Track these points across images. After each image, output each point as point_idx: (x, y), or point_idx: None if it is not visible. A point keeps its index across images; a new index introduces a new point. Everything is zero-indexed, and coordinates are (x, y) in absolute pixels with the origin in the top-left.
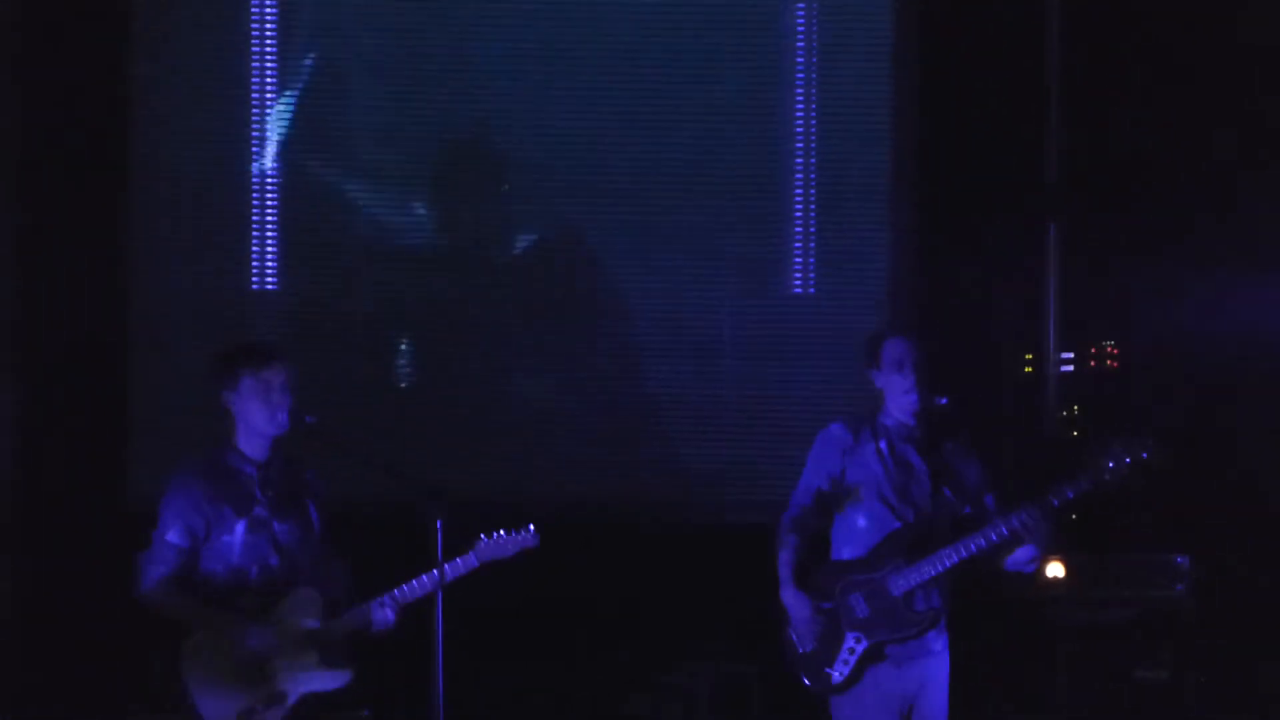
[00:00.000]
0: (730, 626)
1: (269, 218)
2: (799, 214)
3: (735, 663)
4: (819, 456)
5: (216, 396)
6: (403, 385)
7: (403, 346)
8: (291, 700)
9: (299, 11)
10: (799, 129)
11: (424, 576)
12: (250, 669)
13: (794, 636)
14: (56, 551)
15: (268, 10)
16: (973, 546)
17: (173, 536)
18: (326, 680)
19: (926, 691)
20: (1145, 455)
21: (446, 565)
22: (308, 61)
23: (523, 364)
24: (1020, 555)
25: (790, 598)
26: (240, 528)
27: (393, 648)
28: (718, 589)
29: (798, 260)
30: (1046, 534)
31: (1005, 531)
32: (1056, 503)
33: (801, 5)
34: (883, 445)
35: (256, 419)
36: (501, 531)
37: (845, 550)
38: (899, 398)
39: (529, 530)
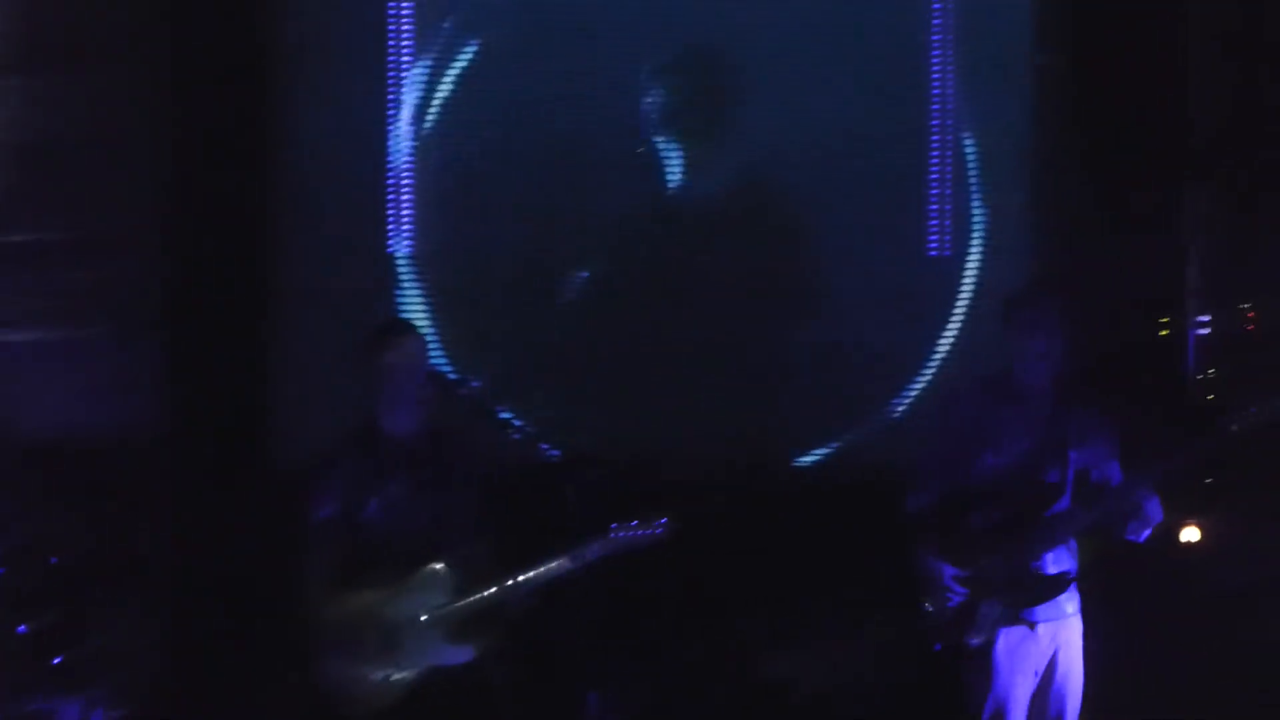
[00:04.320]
0: (866, 588)
1: (405, 181)
2: (934, 176)
3: (873, 625)
4: (949, 420)
5: (362, 373)
6: (546, 347)
7: (545, 309)
8: (417, 673)
9: None
10: (935, 90)
11: (555, 561)
12: (377, 641)
13: (930, 605)
14: (204, 512)
15: None
16: (1096, 513)
17: (326, 512)
18: (452, 655)
19: (1061, 655)
20: (1276, 408)
21: (577, 551)
22: (445, 25)
23: (662, 326)
24: (1131, 526)
25: (926, 566)
26: (379, 502)
27: (531, 619)
28: (852, 551)
29: (933, 223)
30: (1148, 506)
31: (1107, 506)
32: (1151, 477)
33: None
34: (1012, 409)
35: (397, 388)
36: (634, 523)
37: (977, 516)
38: (1033, 361)
39: (661, 523)
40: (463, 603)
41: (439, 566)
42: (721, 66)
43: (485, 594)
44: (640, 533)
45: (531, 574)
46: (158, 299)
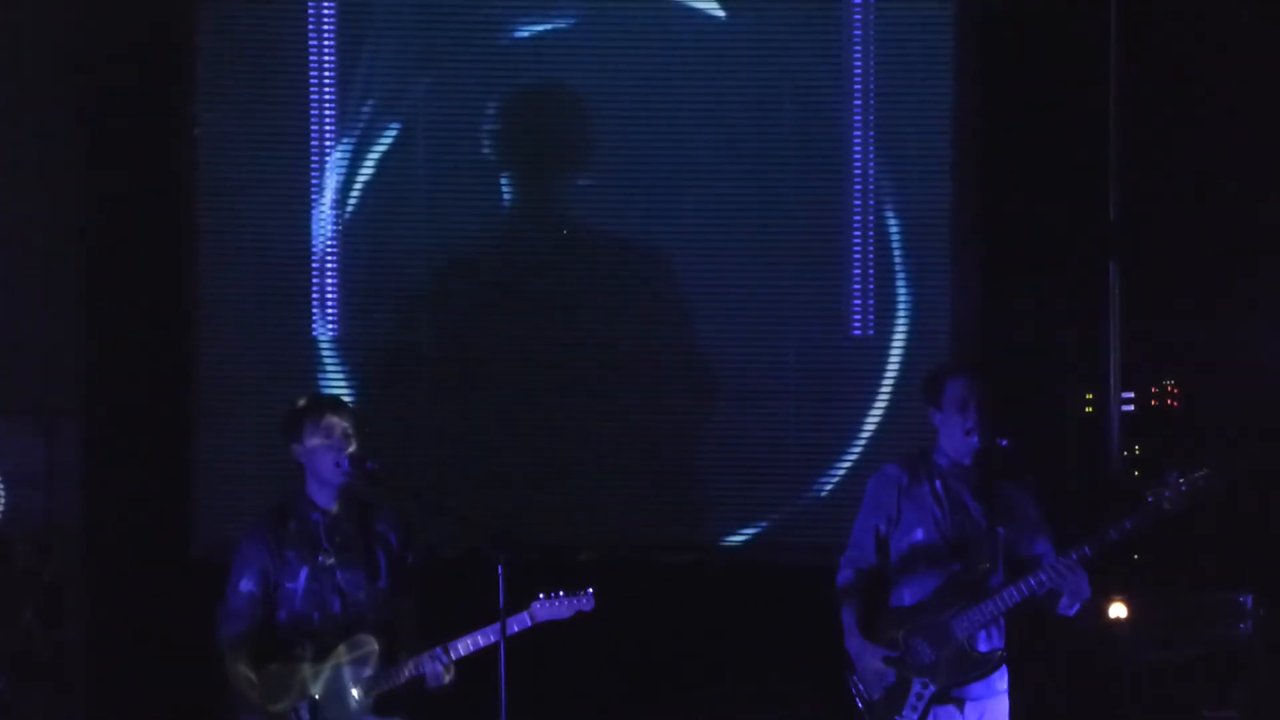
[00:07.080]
0: (794, 669)
1: (329, 265)
2: (857, 257)
3: (801, 705)
4: (875, 498)
5: (285, 450)
6: (470, 432)
7: (469, 393)
8: None
9: (358, 60)
10: (857, 171)
11: (478, 633)
12: (304, 714)
13: (860, 685)
14: (123, 601)
15: (325, 60)
16: (1025, 590)
17: (246, 585)
18: None
19: None
20: (1202, 481)
21: (500, 624)
22: (366, 109)
23: (584, 408)
24: (1062, 602)
25: (855, 646)
26: (304, 574)
27: (456, 695)
28: (780, 631)
29: (856, 303)
30: (1077, 583)
31: (1035, 583)
32: (1079, 555)
33: (858, 49)
34: (938, 486)
35: (321, 468)
36: (559, 593)
37: (906, 594)
38: (959, 438)
39: (586, 594)
40: (389, 674)
41: (366, 638)
42: (566, 100)
43: (412, 665)
44: (566, 601)
45: (457, 645)
46: (79, 387)
